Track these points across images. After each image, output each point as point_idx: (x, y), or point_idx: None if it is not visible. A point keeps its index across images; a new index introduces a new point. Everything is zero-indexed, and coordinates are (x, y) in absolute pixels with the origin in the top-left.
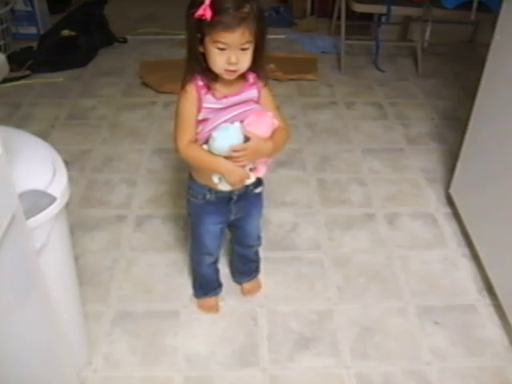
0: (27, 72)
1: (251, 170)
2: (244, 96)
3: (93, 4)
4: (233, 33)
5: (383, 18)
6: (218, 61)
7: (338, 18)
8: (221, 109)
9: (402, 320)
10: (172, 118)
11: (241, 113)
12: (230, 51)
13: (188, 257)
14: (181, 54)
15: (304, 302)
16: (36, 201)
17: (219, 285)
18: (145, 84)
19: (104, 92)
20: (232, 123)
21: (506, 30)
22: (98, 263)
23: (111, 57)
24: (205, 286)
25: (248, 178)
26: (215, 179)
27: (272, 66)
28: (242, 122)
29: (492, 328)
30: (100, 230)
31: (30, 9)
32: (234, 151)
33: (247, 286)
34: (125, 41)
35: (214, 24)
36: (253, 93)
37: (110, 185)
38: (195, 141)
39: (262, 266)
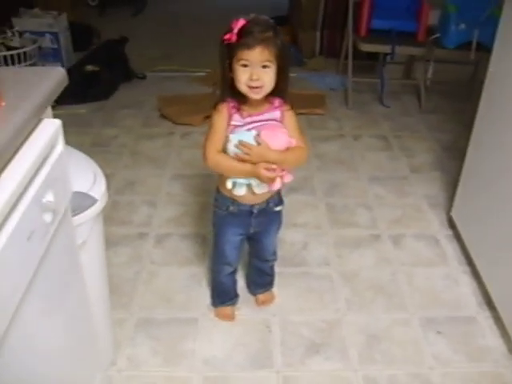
0: (52, 103)
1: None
2: (267, 116)
3: (115, 42)
4: (253, 50)
5: (388, 58)
6: (242, 78)
7: (346, 57)
8: (243, 125)
9: (407, 329)
10: (190, 147)
11: (259, 126)
12: (253, 68)
13: (206, 270)
14: (196, 89)
15: (314, 312)
16: (80, 201)
17: (236, 295)
18: (163, 116)
19: (125, 123)
20: (249, 130)
21: (499, 63)
22: (120, 275)
23: (131, 91)
24: (222, 295)
25: (273, 182)
26: (229, 185)
27: None
28: (258, 133)
29: (491, 337)
30: (123, 246)
31: (55, 46)
32: (241, 145)
33: (262, 297)
34: (144, 77)
35: (239, 46)
36: (276, 114)
37: (131, 206)
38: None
39: (276, 280)
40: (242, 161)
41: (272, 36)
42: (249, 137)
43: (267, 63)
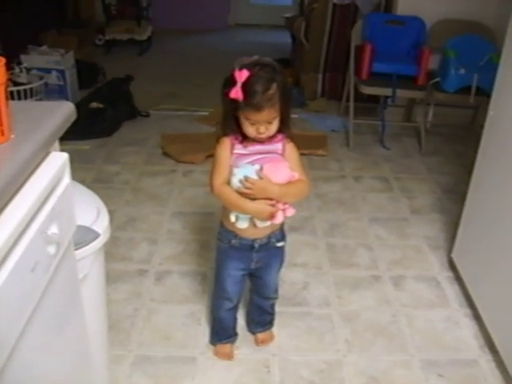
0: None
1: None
2: (269, 147)
3: (120, 80)
4: (261, 113)
5: (389, 101)
6: (250, 130)
7: (347, 99)
8: (246, 154)
9: (407, 372)
10: (191, 185)
11: (261, 159)
12: (260, 124)
13: (206, 308)
14: (199, 128)
15: (314, 353)
16: (83, 235)
17: (235, 333)
18: (166, 154)
19: (127, 160)
20: (252, 164)
21: (498, 106)
22: (119, 312)
23: (134, 129)
24: (221, 332)
25: (274, 217)
26: (232, 218)
27: None
28: (261, 167)
29: (493, 381)
30: (122, 283)
31: (62, 83)
32: (246, 181)
33: (261, 336)
34: (147, 115)
35: (246, 105)
36: (278, 146)
37: (132, 242)
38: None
39: (275, 319)
40: (245, 195)
41: (276, 89)
42: (251, 171)
43: (273, 120)
